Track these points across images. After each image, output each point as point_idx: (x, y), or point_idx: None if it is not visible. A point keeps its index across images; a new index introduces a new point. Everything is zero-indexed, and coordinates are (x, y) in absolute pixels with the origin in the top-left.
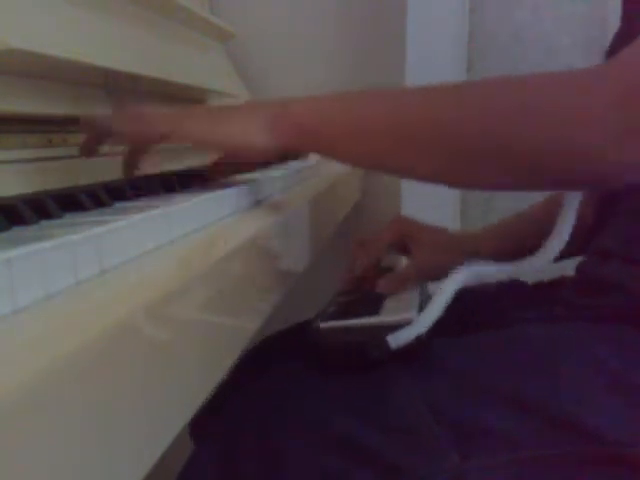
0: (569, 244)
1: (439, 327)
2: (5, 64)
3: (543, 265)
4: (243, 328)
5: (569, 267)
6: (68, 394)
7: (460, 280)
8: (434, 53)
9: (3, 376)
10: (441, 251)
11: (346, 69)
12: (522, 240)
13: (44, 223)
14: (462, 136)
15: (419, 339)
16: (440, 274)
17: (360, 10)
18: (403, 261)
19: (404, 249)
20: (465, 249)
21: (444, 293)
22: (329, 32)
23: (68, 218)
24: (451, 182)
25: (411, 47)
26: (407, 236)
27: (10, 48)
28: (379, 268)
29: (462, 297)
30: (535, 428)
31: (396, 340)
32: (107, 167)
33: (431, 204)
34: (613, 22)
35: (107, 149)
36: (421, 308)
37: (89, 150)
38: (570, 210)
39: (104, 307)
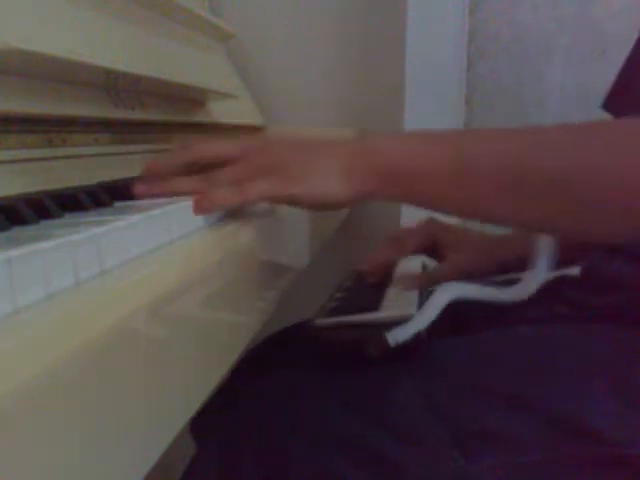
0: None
1: (439, 326)
2: (5, 64)
3: (523, 295)
4: (243, 328)
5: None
6: (68, 394)
7: (458, 289)
8: (434, 53)
9: (3, 376)
10: (476, 252)
11: (346, 69)
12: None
13: (44, 223)
14: (577, 185)
15: (417, 337)
16: (475, 274)
17: (360, 10)
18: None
19: (431, 251)
20: (497, 250)
21: (442, 296)
22: (329, 32)
23: (68, 218)
24: (563, 231)
25: (411, 47)
26: (439, 238)
27: (10, 48)
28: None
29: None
30: (535, 428)
31: (394, 337)
32: (107, 167)
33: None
34: (613, 22)
35: (107, 149)
36: (420, 305)
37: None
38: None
39: (104, 307)
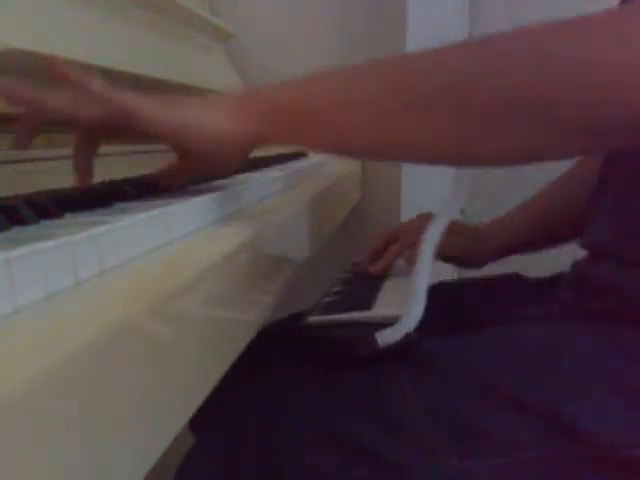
0: (566, 231)
1: (439, 326)
2: (5, 64)
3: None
4: (243, 328)
5: (568, 264)
6: (68, 394)
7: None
8: None
9: (3, 376)
10: (464, 240)
11: None
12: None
13: (44, 223)
14: (517, 104)
15: (408, 337)
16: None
17: (360, 10)
18: None
19: None
20: (474, 234)
21: (419, 289)
22: (329, 32)
23: (68, 218)
24: (478, 152)
25: (411, 47)
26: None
27: (10, 48)
28: None
29: (462, 294)
30: (534, 428)
31: (384, 338)
32: (107, 167)
33: (430, 204)
34: None
35: (107, 149)
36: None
37: (26, 138)
38: (425, 264)
39: (104, 307)
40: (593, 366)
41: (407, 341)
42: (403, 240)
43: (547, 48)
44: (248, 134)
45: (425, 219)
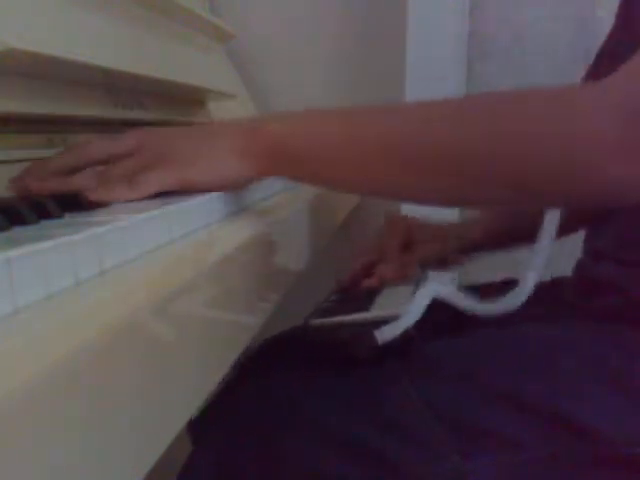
0: (567, 222)
1: (439, 326)
2: (5, 64)
3: (515, 306)
4: (243, 328)
5: (568, 268)
6: (68, 394)
7: (443, 289)
8: (434, 53)
9: (3, 376)
10: (432, 239)
11: (346, 69)
12: (507, 222)
13: (44, 223)
14: (463, 158)
15: (406, 334)
16: (434, 261)
17: (360, 10)
18: None
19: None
20: (455, 234)
21: (426, 292)
22: (329, 32)
23: (68, 218)
24: (453, 203)
25: (411, 47)
26: (412, 236)
27: (10, 48)
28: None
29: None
30: (535, 428)
31: (382, 336)
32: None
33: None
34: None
35: None
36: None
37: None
38: (545, 249)
39: (104, 307)
40: (593, 365)
41: (406, 339)
42: (390, 261)
43: (526, 127)
44: (251, 172)
45: (398, 225)
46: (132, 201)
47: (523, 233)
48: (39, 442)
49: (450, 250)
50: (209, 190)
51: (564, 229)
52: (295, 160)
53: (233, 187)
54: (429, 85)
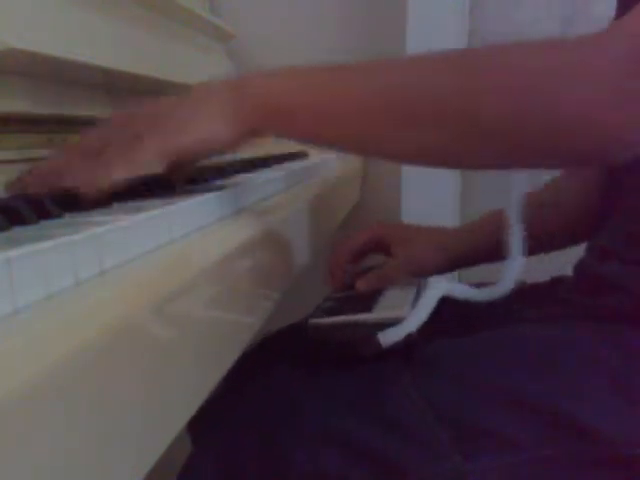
0: (575, 230)
1: (439, 326)
2: (5, 64)
3: (505, 292)
4: (243, 328)
5: (568, 266)
6: (68, 394)
7: (445, 287)
8: None
9: (3, 376)
10: (427, 246)
11: None
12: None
13: (44, 223)
14: (466, 112)
15: (409, 337)
16: (419, 269)
17: (360, 10)
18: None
19: (386, 251)
20: (450, 244)
21: (432, 294)
22: (329, 32)
23: (68, 218)
24: (452, 162)
25: (411, 47)
26: (386, 236)
27: (10, 48)
28: (363, 269)
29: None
30: (535, 428)
31: (386, 338)
32: None
33: (431, 204)
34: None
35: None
36: (415, 306)
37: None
38: (516, 231)
39: (104, 307)
40: (593, 365)
41: (409, 342)
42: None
43: (530, 73)
44: (243, 132)
45: (370, 228)
46: (132, 178)
47: (578, 230)
48: (39, 442)
49: (436, 260)
50: (204, 155)
51: (553, 243)
52: (285, 115)
53: (226, 149)
54: None
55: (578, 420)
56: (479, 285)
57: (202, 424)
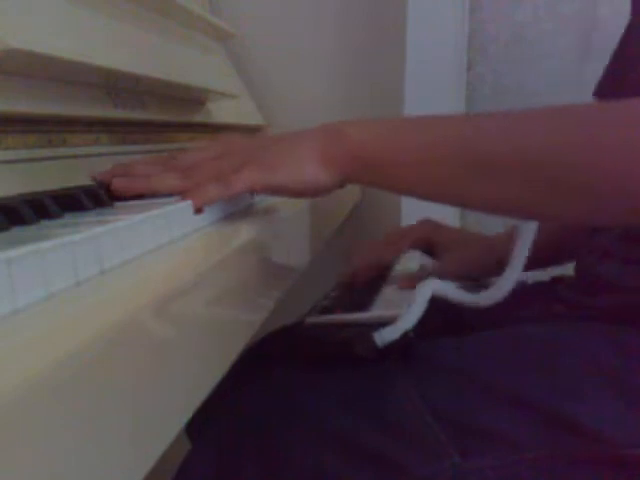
0: (555, 254)
1: (438, 326)
2: (5, 64)
3: (499, 298)
4: (242, 328)
5: (569, 265)
6: (68, 394)
7: (437, 285)
8: (434, 53)
9: (3, 376)
10: (474, 250)
11: (346, 69)
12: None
13: (44, 223)
14: (545, 165)
15: (405, 336)
16: (474, 273)
17: (360, 10)
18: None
19: (428, 251)
20: (496, 247)
21: (424, 291)
22: (329, 32)
23: (68, 218)
24: (533, 214)
25: (411, 47)
26: (434, 237)
27: (10, 48)
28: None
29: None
30: (534, 428)
31: (382, 338)
32: (107, 167)
33: (431, 206)
34: (614, 22)
35: (107, 149)
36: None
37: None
38: (524, 242)
39: (104, 307)
40: (593, 365)
41: (405, 341)
42: (394, 248)
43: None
44: (333, 177)
45: (419, 225)
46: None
47: (562, 250)
48: (39, 442)
49: (483, 263)
50: (292, 195)
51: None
52: (375, 166)
53: (316, 193)
54: (429, 85)
55: (577, 420)
56: (475, 287)
57: (200, 423)
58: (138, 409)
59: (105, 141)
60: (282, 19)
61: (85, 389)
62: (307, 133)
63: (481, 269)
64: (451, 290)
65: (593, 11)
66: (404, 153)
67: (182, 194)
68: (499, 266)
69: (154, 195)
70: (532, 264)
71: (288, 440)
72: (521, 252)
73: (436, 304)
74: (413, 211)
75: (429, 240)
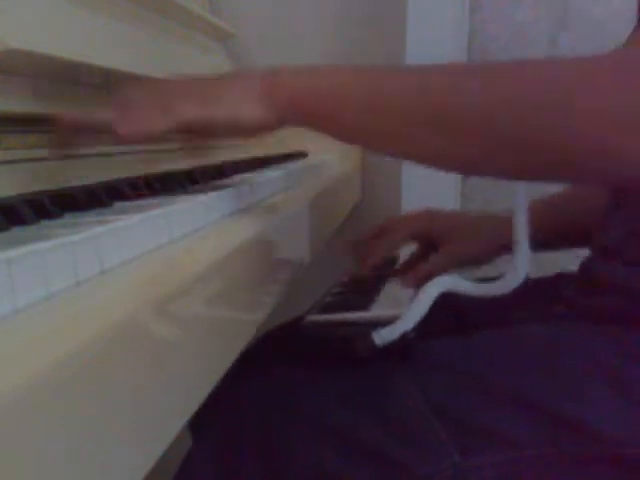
0: (580, 237)
1: (439, 325)
2: (5, 64)
3: (514, 287)
4: (242, 328)
5: (570, 262)
6: (68, 394)
7: (445, 283)
8: (434, 53)
9: (3, 376)
10: (473, 238)
11: None
12: (549, 225)
13: (44, 223)
14: (484, 121)
15: (405, 337)
16: (477, 260)
17: (360, 10)
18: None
19: (427, 242)
20: (497, 231)
21: (429, 292)
22: (329, 32)
23: (68, 218)
24: (466, 169)
25: (411, 47)
26: (432, 227)
27: (10, 48)
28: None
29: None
30: (535, 427)
31: (381, 337)
32: (107, 167)
33: (431, 204)
34: (614, 22)
35: (107, 149)
36: (411, 304)
37: (66, 146)
38: (521, 228)
39: (104, 307)
40: (594, 366)
41: (405, 341)
42: (390, 239)
43: (534, 92)
44: (270, 118)
45: (417, 214)
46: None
47: (572, 232)
48: (39, 442)
49: (483, 251)
50: (228, 133)
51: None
52: (312, 115)
53: (251, 132)
54: None
55: (578, 419)
56: (483, 280)
57: (201, 420)
58: (138, 409)
59: (105, 141)
60: (282, 19)
61: (85, 389)
62: (245, 73)
63: (484, 254)
64: (462, 284)
65: (592, 12)
66: (342, 109)
67: (115, 117)
68: (503, 250)
69: (98, 131)
70: (547, 244)
71: (288, 436)
72: (521, 234)
73: (440, 302)
74: (414, 206)
75: (427, 231)
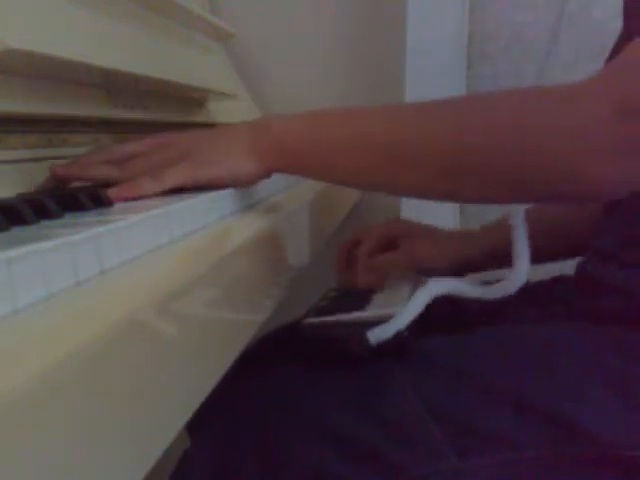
0: (575, 245)
1: (433, 325)
2: (5, 64)
3: (513, 291)
4: (242, 328)
5: (569, 265)
6: (68, 394)
7: (443, 285)
8: (434, 53)
9: (3, 376)
10: (435, 244)
11: (346, 69)
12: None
13: (44, 223)
14: (447, 153)
15: (399, 335)
16: (430, 266)
17: (359, 11)
18: None
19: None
20: (462, 246)
21: (425, 292)
22: (329, 32)
23: (68, 218)
24: (438, 197)
25: (411, 47)
26: (400, 234)
27: (10, 48)
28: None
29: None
30: (533, 428)
31: (376, 336)
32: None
33: (431, 203)
34: (614, 22)
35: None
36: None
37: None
38: (520, 231)
39: (104, 307)
40: (593, 367)
41: (400, 340)
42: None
43: (511, 119)
44: (258, 169)
45: (385, 224)
46: (152, 195)
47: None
48: (39, 442)
49: (444, 258)
50: (220, 187)
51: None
52: (295, 155)
53: (244, 184)
54: (429, 85)
55: (577, 421)
56: (485, 283)
57: (200, 421)
58: (138, 409)
59: (105, 141)
60: (282, 19)
61: (85, 389)
62: (237, 129)
63: (445, 267)
64: (460, 286)
65: (592, 13)
66: (320, 144)
67: (117, 185)
68: (466, 266)
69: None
70: (545, 256)
71: (286, 437)
72: (520, 241)
73: (439, 301)
74: (412, 210)
75: (393, 231)
